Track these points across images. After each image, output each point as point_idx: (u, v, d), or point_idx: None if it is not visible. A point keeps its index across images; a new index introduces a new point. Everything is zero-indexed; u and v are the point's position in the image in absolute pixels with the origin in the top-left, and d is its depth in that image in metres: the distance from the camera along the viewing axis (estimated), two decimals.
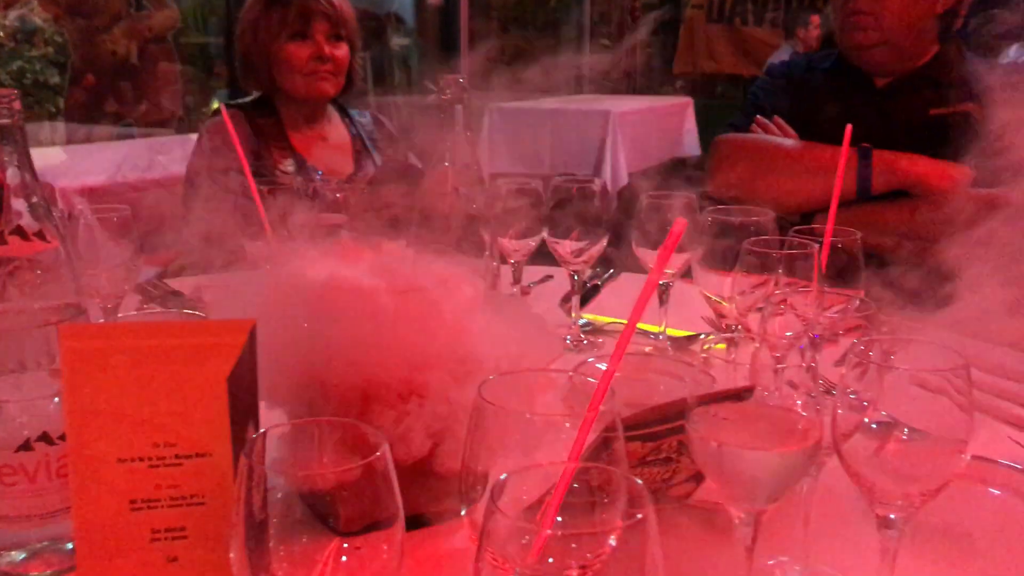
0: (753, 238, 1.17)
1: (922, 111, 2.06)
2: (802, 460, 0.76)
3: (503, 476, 0.57)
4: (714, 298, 1.29)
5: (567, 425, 0.68)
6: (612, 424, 0.68)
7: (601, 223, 1.52)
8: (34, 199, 0.90)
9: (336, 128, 2.54)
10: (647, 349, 1.48)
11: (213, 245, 2.33)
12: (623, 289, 1.87)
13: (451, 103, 1.24)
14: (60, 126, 5.55)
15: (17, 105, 0.89)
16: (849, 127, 1.28)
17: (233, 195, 2.30)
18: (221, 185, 2.31)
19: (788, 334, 1.00)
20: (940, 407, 0.76)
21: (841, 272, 1.20)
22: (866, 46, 2.10)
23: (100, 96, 5.48)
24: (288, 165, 2.37)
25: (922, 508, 0.77)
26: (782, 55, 6.54)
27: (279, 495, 0.58)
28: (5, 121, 0.87)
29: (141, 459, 0.76)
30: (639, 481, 0.56)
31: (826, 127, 2.09)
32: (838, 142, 2.04)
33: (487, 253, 1.37)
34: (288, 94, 2.42)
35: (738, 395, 0.79)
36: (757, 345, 0.92)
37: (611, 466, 0.68)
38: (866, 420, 0.77)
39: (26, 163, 0.90)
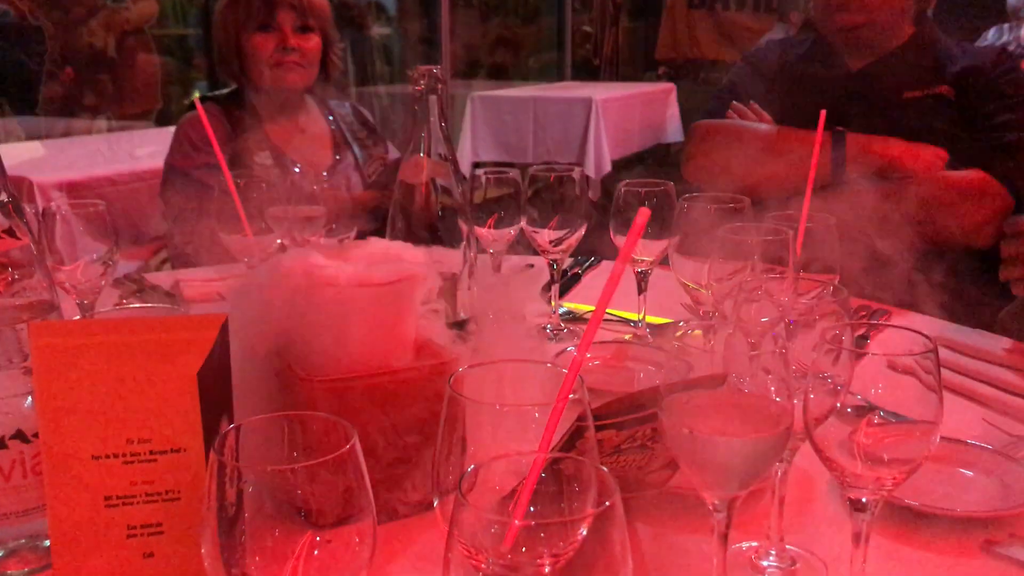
0: (729, 225, 1.17)
1: (897, 94, 2.07)
2: (774, 446, 0.76)
3: (471, 467, 0.57)
4: (691, 285, 1.30)
5: (537, 415, 0.68)
6: (583, 413, 0.69)
7: (580, 212, 1.52)
8: (3, 196, 0.89)
9: (314, 120, 2.53)
10: (626, 337, 1.49)
11: (191, 239, 2.32)
12: (604, 277, 1.87)
13: (426, 94, 1.23)
14: (38, 121, 5.50)
15: None
16: (823, 112, 1.29)
17: (210, 189, 2.30)
18: (198, 180, 2.31)
19: (763, 320, 1.01)
20: (911, 391, 0.76)
21: (816, 257, 1.20)
22: (849, 27, 2.10)
23: (78, 89, 5.43)
24: (265, 157, 2.36)
25: (894, 491, 0.78)
26: (776, 34, 6.54)
27: (250, 489, 0.58)
28: None
29: (115, 455, 0.76)
30: (605, 469, 0.57)
31: (802, 112, 2.10)
32: (814, 126, 2.05)
33: (465, 243, 1.37)
34: (258, 85, 2.41)
35: (711, 382, 0.79)
36: (729, 333, 0.93)
37: (583, 455, 0.69)
38: (838, 405, 0.78)
39: None
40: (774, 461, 0.81)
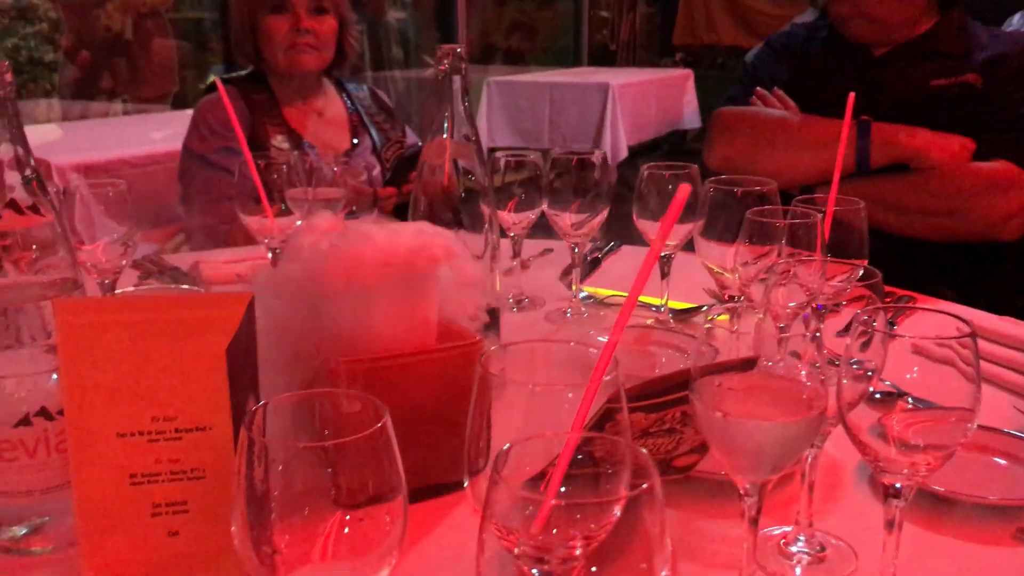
0: (756, 208, 1.16)
1: (922, 82, 2.04)
2: (807, 430, 0.75)
3: (506, 446, 0.56)
4: (716, 269, 1.29)
5: (570, 396, 0.68)
6: (615, 395, 0.68)
7: (602, 195, 1.51)
8: (27, 172, 0.88)
9: (332, 103, 2.52)
10: (648, 321, 1.48)
11: (208, 222, 2.32)
12: (624, 262, 1.86)
13: (449, 74, 1.22)
14: (56, 103, 5.51)
15: (9, 77, 0.88)
16: (852, 95, 1.27)
17: (228, 172, 2.29)
18: (215, 163, 2.30)
19: (791, 305, 0.99)
20: (946, 376, 0.75)
21: (844, 242, 1.19)
22: (854, 17, 2.07)
23: (95, 72, 5.43)
24: (282, 141, 2.35)
25: (928, 477, 0.77)
26: (806, 18, 6.47)
27: (280, 467, 0.58)
28: None
29: (140, 433, 0.76)
30: (644, 451, 0.56)
31: (824, 98, 2.07)
32: (837, 114, 2.03)
33: (487, 226, 1.35)
34: (274, 68, 2.40)
35: (742, 365, 0.78)
36: (761, 316, 0.92)
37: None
38: (871, 390, 0.77)
39: (19, 136, 0.88)
40: (807, 445, 0.80)
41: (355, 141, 2.49)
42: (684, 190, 0.59)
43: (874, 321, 0.80)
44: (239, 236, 2.22)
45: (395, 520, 0.59)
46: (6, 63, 0.88)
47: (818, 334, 0.78)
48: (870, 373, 0.78)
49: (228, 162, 2.30)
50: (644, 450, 0.56)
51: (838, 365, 0.78)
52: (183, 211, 2.46)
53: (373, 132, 2.53)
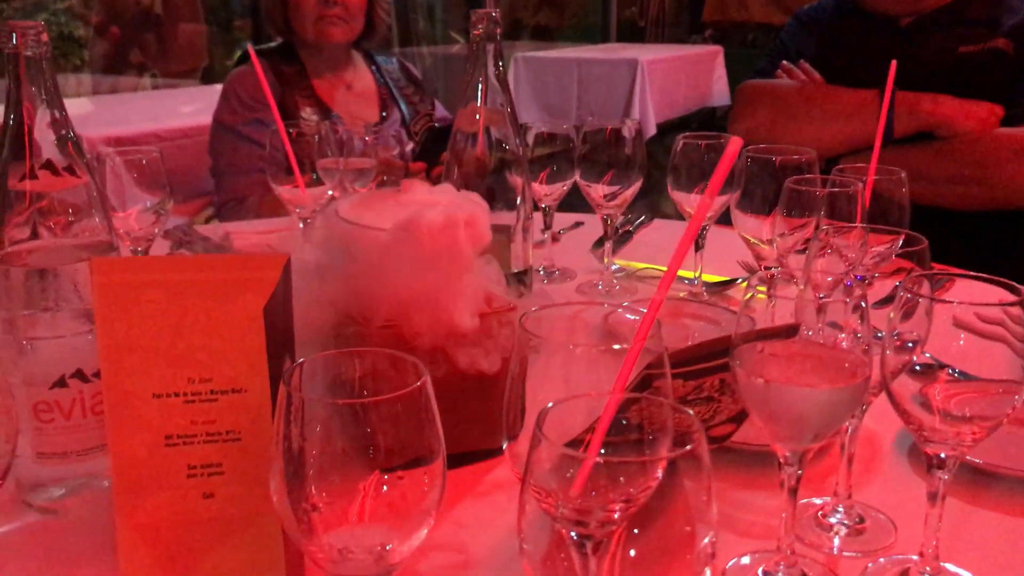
0: (795, 177, 1.14)
1: (951, 49, 2.00)
2: (850, 398, 0.74)
3: (549, 405, 0.55)
4: (753, 240, 1.27)
5: (610, 359, 0.66)
6: (655, 361, 0.67)
7: (634, 166, 1.49)
8: (63, 132, 0.88)
9: (361, 75, 2.51)
10: (681, 294, 1.46)
11: (240, 192, 2.33)
12: (656, 235, 1.84)
13: (483, 40, 1.21)
14: (86, 78, 5.54)
15: (44, 38, 0.88)
16: (894, 63, 1.24)
17: (257, 144, 2.29)
18: (246, 136, 2.30)
19: (832, 277, 0.98)
20: (987, 349, 0.73)
21: (884, 212, 1.17)
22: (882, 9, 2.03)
23: (124, 47, 5.45)
24: (311, 113, 2.35)
25: (973, 448, 0.75)
26: None
27: (318, 426, 0.57)
28: (31, 53, 0.86)
29: (176, 395, 0.75)
30: (690, 412, 0.55)
31: (851, 70, 2.04)
32: (865, 86, 1.99)
33: (520, 198, 1.34)
34: (302, 40, 2.39)
35: (784, 332, 0.77)
36: (801, 287, 0.90)
37: None
38: (915, 359, 0.75)
39: (54, 98, 0.88)
40: (850, 413, 0.78)
41: (384, 114, 2.48)
42: (736, 143, 0.57)
43: (920, 290, 0.78)
44: (269, 208, 2.22)
45: (434, 482, 0.59)
46: (41, 24, 0.88)
47: (863, 303, 0.76)
48: (911, 344, 0.76)
49: (258, 134, 2.31)
50: (690, 411, 0.55)
51: (880, 336, 0.77)
52: (213, 183, 2.47)
53: (402, 105, 2.52)
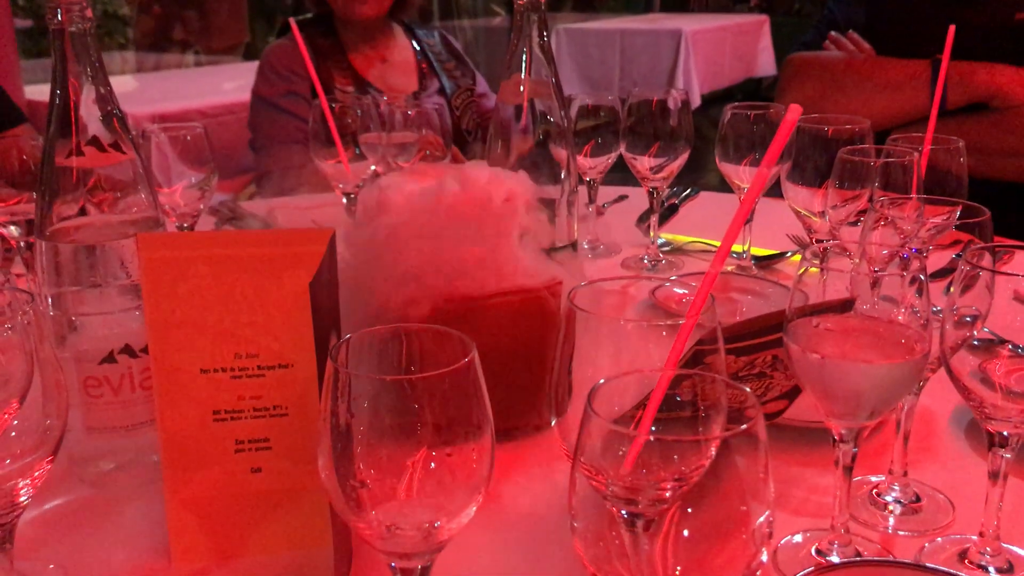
0: (848, 147, 1.10)
1: (1007, 15, 1.93)
2: (909, 373, 0.71)
3: (601, 381, 0.54)
4: (804, 212, 1.24)
5: (661, 334, 0.65)
6: (710, 335, 0.65)
7: (681, 138, 1.46)
8: (109, 108, 0.88)
9: (400, 48, 2.49)
10: (729, 268, 1.44)
11: (279, 165, 2.33)
12: (702, 209, 1.81)
13: (527, 9, 1.18)
14: (130, 56, 5.59)
15: (88, 13, 0.87)
16: (952, 28, 1.20)
17: (294, 116, 2.29)
18: (284, 108, 2.30)
19: (884, 252, 0.95)
20: None
21: (940, 183, 1.13)
22: None
23: (167, 25, 5.49)
24: (347, 85, 2.34)
25: None
26: None
27: (366, 403, 0.56)
28: (76, 29, 0.85)
29: (223, 370, 0.75)
30: (747, 388, 0.53)
31: (903, 40, 1.98)
32: (916, 54, 1.93)
33: (565, 171, 1.32)
34: (335, 13, 2.38)
35: (839, 307, 0.75)
36: (856, 260, 0.87)
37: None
38: (975, 333, 0.73)
39: (99, 74, 0.88)
40: (909, 389, 0.76)
41: (423, 87, 2.46)
42: (795, 110, 0.55)
43: (981, 262, 0.76)
44: (309, 181, 2.22)
45: (482, 458, 0.58)
46: (85, 0, 0.87)
47: (922, 276, 0.74)
48: (968, 319, 0.74)
49: (294, 106, 2.31)
50: (747, 388, 0.54)
51: (937, 310, 0.74)
52: (253, 157, 2.47)
53: (443, 79, 2.50)
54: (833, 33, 2.11)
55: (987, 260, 0.75)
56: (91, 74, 0.87)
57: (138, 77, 4.63)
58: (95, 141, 0.87)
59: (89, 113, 0.88)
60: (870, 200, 1.11)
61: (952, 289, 0.74)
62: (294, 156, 2.31)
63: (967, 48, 1.86)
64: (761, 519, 0.54)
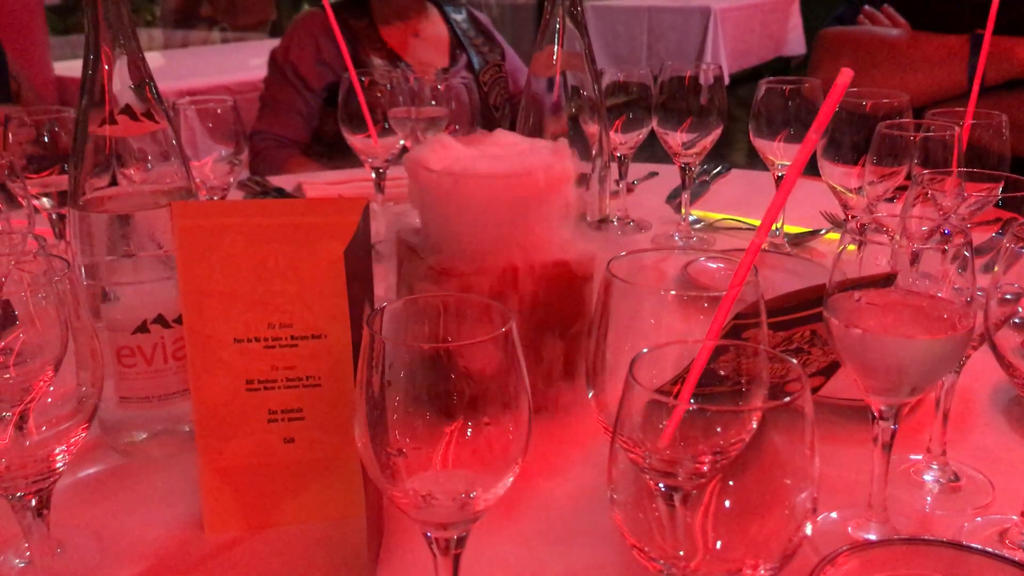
0: (887, 121, 1.08)
1: None
2: (952, 349, 0.70)
3: (644, 351, 0.53)
4: (840, 189, 1.22)
5: (698, 307, 0.64)
6: (751, 308, 0.64)
7: (714, 113, 1.44)
8: (142, 77, 0.88)
9: (432, 23, 2.48)
10: (763, 245, 1.42)
11: (277, 131, 2.30)
12: (733, 186, 1.79)
13: None
14: (157, 33, 5.60)
15: None
16: (996, 1, 1.17)
17: (309, 89, 2.28)
18: (305, 74, 2.28)
19: (924, 228, 0.93)
20: None
21: (981, 159, 1.11)
22: None
23: (194, 1, 5.49)
24: (380, 61, 2.33)
25: None
26: None
27: (402, 372, 0.56)
28: None
29: (256, 339, 0.75)
30: (793, 360, 0.52)
31: (940, 13, 1.94)
32: (953, 29, 1.89)
33: (596, 148, 1.31)
34: None
35: (881, 281, 0.73)
36: (896, 236, 0.86)
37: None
38: (1020, 310, 0.71)
39: (132, 43, 0.87)
40: (951, 366, 0.75)
41: (452, 63, 2.45)
42: (847, 74, 0.54)
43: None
44: (297, 164, 2.22)
45: (519, 429, 0.57)
46: None
47: (967, 252, 0.72)
48: (1008, 296, 0.72)
49: (316, 77, 2.30)
50: (793, 359, 0.52)
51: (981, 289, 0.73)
52: (254, 120, 2.44)
53: (471, 54, 2.49)
54: (867, 7, 2.07)
55: None
56: (123, 43, 0.87)
57: (165, 54, 4.65)
58: (128, 110, 0.87)
59: (122, 82, 0.87)
60: (908, 176, 1.09)
61: (996, 266, 0.72)
62: (290, 128, 2.31)
63: (1005, 23, 1.82)
64: (804, 494, 0.53)
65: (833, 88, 0.53)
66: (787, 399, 0.50)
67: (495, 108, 2.49)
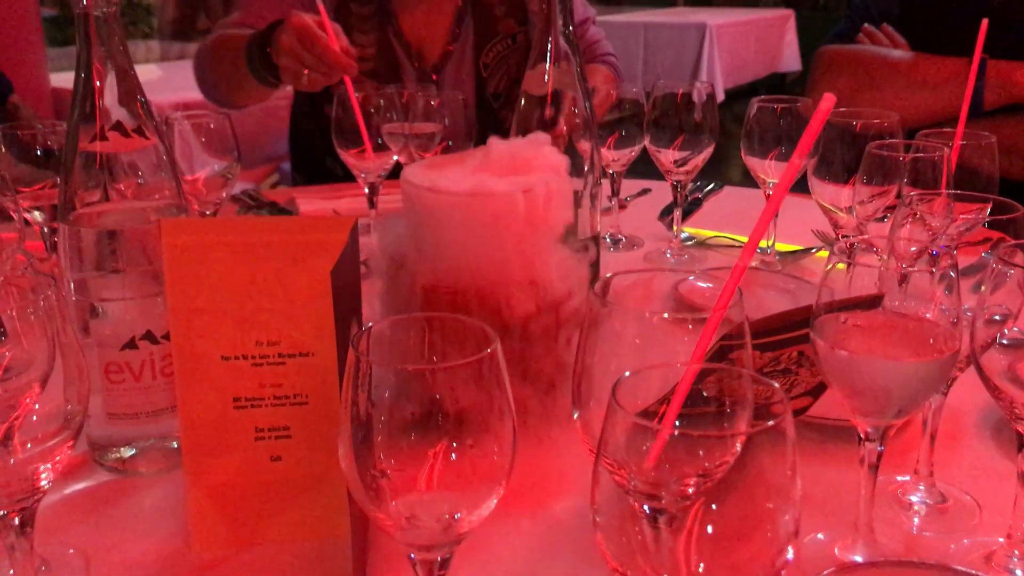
0: (877, 141, 1.09)
1: None
2: (938, 371, 0.70)
3: (626, 374, 0.53)
4: (830, 208, 1.22)
5: (685, 328, 0.64)
6: (736, 329, 0.64)
7: (706, 131, 1.45)
8: (132, 95, 0.88)
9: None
10: (753, 264, 1.43)
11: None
12: (725, 203, 1.79)
13: None
14: (154, 44, 5.62)
15: None
16: (985, 22, 1.18)
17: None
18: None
19: (912, 248, 0.94)
20: None
21: (970, 181, 1.11)
22: None
23: (192, 13, 5.51)
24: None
25: None
26: None
27: (387, 392, 0.56)
28: (100, 14, 0.85)
29: (244, 357, 0.75)
30: (775, 384, 0.52)
31: (939, 34, 1.94)
32: (954, 51, 1.89)
33: (588, 164, 1.31)
34: None
35: (867, 303, 0.73)
36: (884, 256, 0.86)
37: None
38: (1005, 331, 0.72)
39: (124, 59, 0.88)
40: (938, 387, 0.75)
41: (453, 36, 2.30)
42: (829, 100, 0.54)
43: (1013, 259, 0.74)
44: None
45: (504, 450, 0.57)
46: None
47: (952, 273, 0.72)
48: (996, 317, 0.72)
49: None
50: (775, 383, 0.53)
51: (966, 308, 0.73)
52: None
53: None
54: (867, 26, 2.07)
55: (1020, 257, 0.74)
56: (115, 59, 0.87)
57: (162, 66, 4.66)
58: (119, 126, 0.87)
59: (113, 98, 0.87)
60: (898, 196, 1.10)
61: (983, 287, 0.73)
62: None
63: (1006, 46, 1.83)
64: (787, 516, 0.53)
65: (816, 113, 0.53)
66: (770, 423, 0.50)
67: (496, 97, 2.34)
